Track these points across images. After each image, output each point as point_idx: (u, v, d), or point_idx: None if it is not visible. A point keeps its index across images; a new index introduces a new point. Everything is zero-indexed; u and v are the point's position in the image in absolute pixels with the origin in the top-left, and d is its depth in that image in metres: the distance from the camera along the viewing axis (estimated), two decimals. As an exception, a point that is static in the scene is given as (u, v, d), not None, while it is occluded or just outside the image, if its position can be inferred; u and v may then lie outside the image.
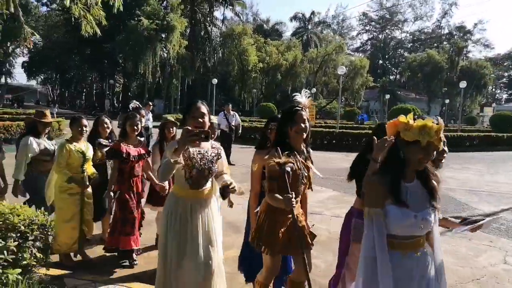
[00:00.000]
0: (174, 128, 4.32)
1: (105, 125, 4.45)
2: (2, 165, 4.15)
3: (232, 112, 11.68)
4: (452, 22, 74.02)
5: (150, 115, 11.59)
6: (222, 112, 11.62)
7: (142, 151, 4.05)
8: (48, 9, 47.16)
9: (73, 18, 6.05)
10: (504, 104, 56.91)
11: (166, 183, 3.92)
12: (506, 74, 74.41)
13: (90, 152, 4.03)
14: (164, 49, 38.35)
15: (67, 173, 3.80)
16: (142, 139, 4.27)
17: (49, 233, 2.74)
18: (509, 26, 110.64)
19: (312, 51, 46.70)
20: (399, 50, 74.24)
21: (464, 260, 4.64)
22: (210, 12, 44.77)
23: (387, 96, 45.75)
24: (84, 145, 3.98)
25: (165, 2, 41.86)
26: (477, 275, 4.16)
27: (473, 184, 9.90)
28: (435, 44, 65.93)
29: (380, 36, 74.18)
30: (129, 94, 48.42)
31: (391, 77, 70.05)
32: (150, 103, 12.47)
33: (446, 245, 5.11)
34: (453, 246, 5.15)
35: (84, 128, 3.96)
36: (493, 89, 70.27)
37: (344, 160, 12.47)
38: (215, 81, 32.07)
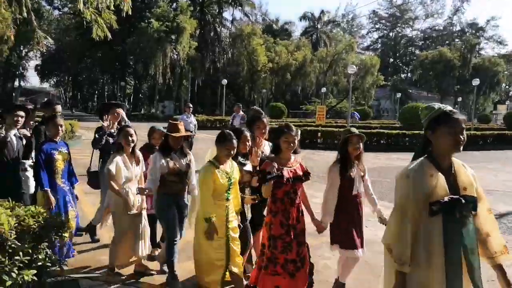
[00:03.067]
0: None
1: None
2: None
3: (240, 113, 11.72)
4: (463, 19, 73.26)
5: (192, 118, 10.48)
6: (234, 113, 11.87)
7: (299, 172, 3.20)
8: (60, 12, 47.94)
9: (84, 22, 6.13)
10: (518, 102, 55.73)
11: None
12: (520, 71, 73.19)
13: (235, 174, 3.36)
14: (174, 51, 38.63)
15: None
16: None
17: (63, 235, 2.77)
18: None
19: (322, 51, 46.50)
20: (410, 48, 73.50)
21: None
22: (219, 13, 44.95)
23: (398, 95, 45.32)
24: (229, 166, 3.33)
25: (174, 4, 42.15)
26: (492, 276, 4.09)
27: (487, 183, 9.72)
28: (447, 42, 65.15)
29: (390, 34, 73.52)
30: (140, 95, 48.90)
31: (402, 76, 69.43)
32: (190, 105, 10.89)
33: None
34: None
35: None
36: (507, 87, 69.04)
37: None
38: (224, 81, 32.16)
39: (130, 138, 3.72)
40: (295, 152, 3.19)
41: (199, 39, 41.43)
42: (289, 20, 60.54)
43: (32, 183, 4.08)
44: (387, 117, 52.56)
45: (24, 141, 4.15)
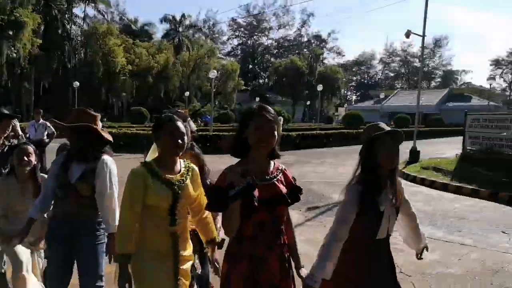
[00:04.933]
0: None
1: None
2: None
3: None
4: (310, 31, 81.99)
5: (46, 124, 9.09)
6: None
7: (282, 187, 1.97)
8: None
9: None
10: (354, 104, 65.50)
11: None
12: (354, 78, 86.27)
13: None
14: (13, 48, 33.25)
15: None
16: None
17: None
18: (356, 35, 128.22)
19: (184, 54, 46.35)
20: (267, 55, 79.18)
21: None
22: (68, 9, 40.53)
23: (257, 99, 48.30)
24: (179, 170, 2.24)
25: (11, -6, 36.31)
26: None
27: (328, 176, 11.03)
28: (297, 51, 72.27)
29: (249, 41, 77.90)
30: (-33, 100, 40.61)
31: (261, 81, 74.24)
32: (40, 110, 9.53)
33: (306, 233, 5.49)
34: (312, 233, 5.56)
35: None
36: (345, 92, 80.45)
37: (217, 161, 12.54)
38: (76, 84, 29.29)
39: (26, 159, 2.86)
40: (273, 157, 1.88)
41: (44, 36, 36.64)
42: (149, 21, 58.57)
43: None
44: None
45: None
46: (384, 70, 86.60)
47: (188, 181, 2.12)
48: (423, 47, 14.67)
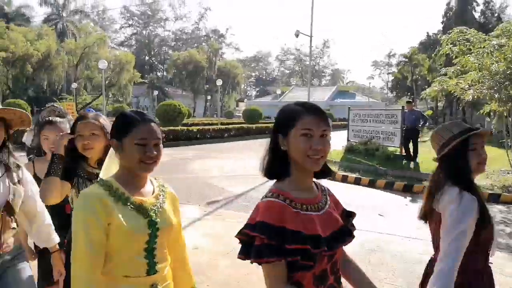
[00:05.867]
0: None
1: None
2: None
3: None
4: (208, 25, 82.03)
5: None
6: None
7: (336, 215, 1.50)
8: None
9: None
10: (254, 99, 67.55)
11: None
12: (253, 74, 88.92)
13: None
14: None
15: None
16: None
17: None
18: (253, 32, 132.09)
19: (70, 42, 42.22)
20: (164, 47, 76.75)
21: (218, 238, 5.05)
22: None
23: (156, 92, 46.58)
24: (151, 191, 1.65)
25: None
26: (228, 250, 4.56)
27: (228, 169, 11.15)
28: (196, 44, 71.54)
29: (144, 32, 74.53)
30: None
31: (159, 74, 71.75)
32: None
33: (206, 228, 5.45)
34: (210, 227, 5.54)
35: None
36: (245, 87, 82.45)
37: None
38: None
39: None
40: (323, 174, 1.36)
41: None
42: (26, 4, 52.05)
43: None
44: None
45: None
46: (280, 67, 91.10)
47: (166, 205, 1.54)
48: (310, 47, 15.74)
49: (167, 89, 58.80)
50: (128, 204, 1.41)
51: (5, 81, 37.50)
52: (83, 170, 2.10)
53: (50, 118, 2.55)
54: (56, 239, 2.15)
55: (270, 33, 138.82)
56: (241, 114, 37.61)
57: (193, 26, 78.20)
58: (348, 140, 13.16)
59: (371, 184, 8.96)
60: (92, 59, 41.19)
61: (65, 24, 48.49)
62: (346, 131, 13.81)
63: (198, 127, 20.78)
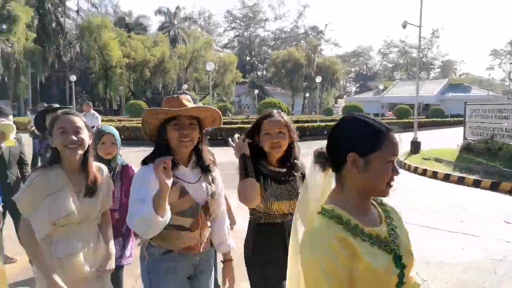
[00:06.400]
0: None
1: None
2: None
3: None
4: (306, 23, 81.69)
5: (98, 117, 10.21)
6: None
7: None
8: None
9: None
10: (353, 96, 65.32)
11: None
12: (353, 69, 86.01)
13: None
14: (7, 42, 32.96)
15: None
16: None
17: None
18: (352, 27, 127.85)
19: (181, 47, 46.05)
20: (264, 47, 78.75)
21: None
22: (61, 2, 40.16)
23: (256, 91, 48.15)
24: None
25: (4, -12, 35.94)
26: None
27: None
28: (294, 42, 71.89)
29: (245, 33, 77.42)
30: (-37, 95, 40.35)
31: (259, 73, 73.95)
32: (89, 102, 10.72)
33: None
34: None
35: None
36: (344, 83, 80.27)
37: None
38: (73, 77, 29.05)
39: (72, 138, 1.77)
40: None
41: (38, 30, 36.32)
42: (143, 14, 58.25)
43: None
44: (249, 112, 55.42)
45: None
46: (382, 61, 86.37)
47: (400, 231, 1.20)
48: (420, 37, 14.53)
49: (266, 87, 60.29)
50: (365, 238, 1.08)
51: (128, 84, 42.58)
52: (267, 170, 2.02)
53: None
54: (232, 244, 2.03)
55: (371, 27, 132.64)
56: (340, 111, 36.70)
57: (292, 25, 78.78)
58: (464, 138, 11.82)
59: (494, 187, 7.92)
60: (199, 62, 44.32)
61: (176, 31, 52.99)
62: (460, 128, 12.46)
63: (297, 124, 20.86)
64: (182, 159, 1.82)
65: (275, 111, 2.06)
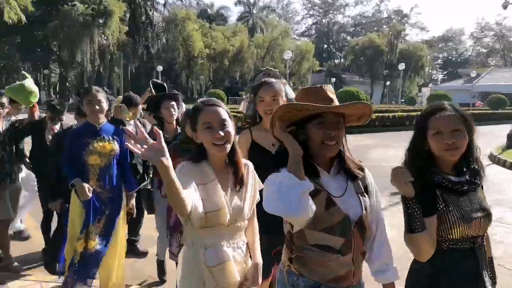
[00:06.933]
0: None
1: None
2: None
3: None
4: (390, 6, 77.11)
5: None
6: None
7: None
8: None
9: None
10: (440, 84, 60.47)
11: None
12: (440, 55, 79.46)
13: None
14: (103, 36, 36.27)
15: None
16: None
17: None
18: (441, 9, 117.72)
19: (259, 36, 46.58)
20: (342, 34, 76.28)
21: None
22: (150, -4, 43.00)
23: (333, 80, 46.97)
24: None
25: (101, -15, 39.43)
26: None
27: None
28: (375, 28, 68.50)
29: (323, 20, 75.63)
30: (67, 84, 45.51)
31: (336, 61, 71.98)
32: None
33: (391, 218, 5.20)
34: (398, 218, 5.25)
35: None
36: (430, 70, 74.64)
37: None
38: (160, 68, 31.05)
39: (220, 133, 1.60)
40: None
41: (130, 23, 39.35)
42: (224, 5, 59.99)
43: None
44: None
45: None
46: (475, 46, 78.37)
47: None
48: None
49: (344, 76, 58.55)
50: None
51: (208, 74, 44.35)
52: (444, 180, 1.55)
53: (265, 79, 2.36)
54: (398, 273, 1.56)
55: (463, 8, 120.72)
56: (424, 100, 34.26)
57: (373, 9, 75.04)
58: None
59: None
60: (276, 50, 44.48)
61: (254, 20, 53.69)
62: None
63: (377, 114, 19.95)
64: (324, 165, 1.49)
65: (446, 103, 1.57)
